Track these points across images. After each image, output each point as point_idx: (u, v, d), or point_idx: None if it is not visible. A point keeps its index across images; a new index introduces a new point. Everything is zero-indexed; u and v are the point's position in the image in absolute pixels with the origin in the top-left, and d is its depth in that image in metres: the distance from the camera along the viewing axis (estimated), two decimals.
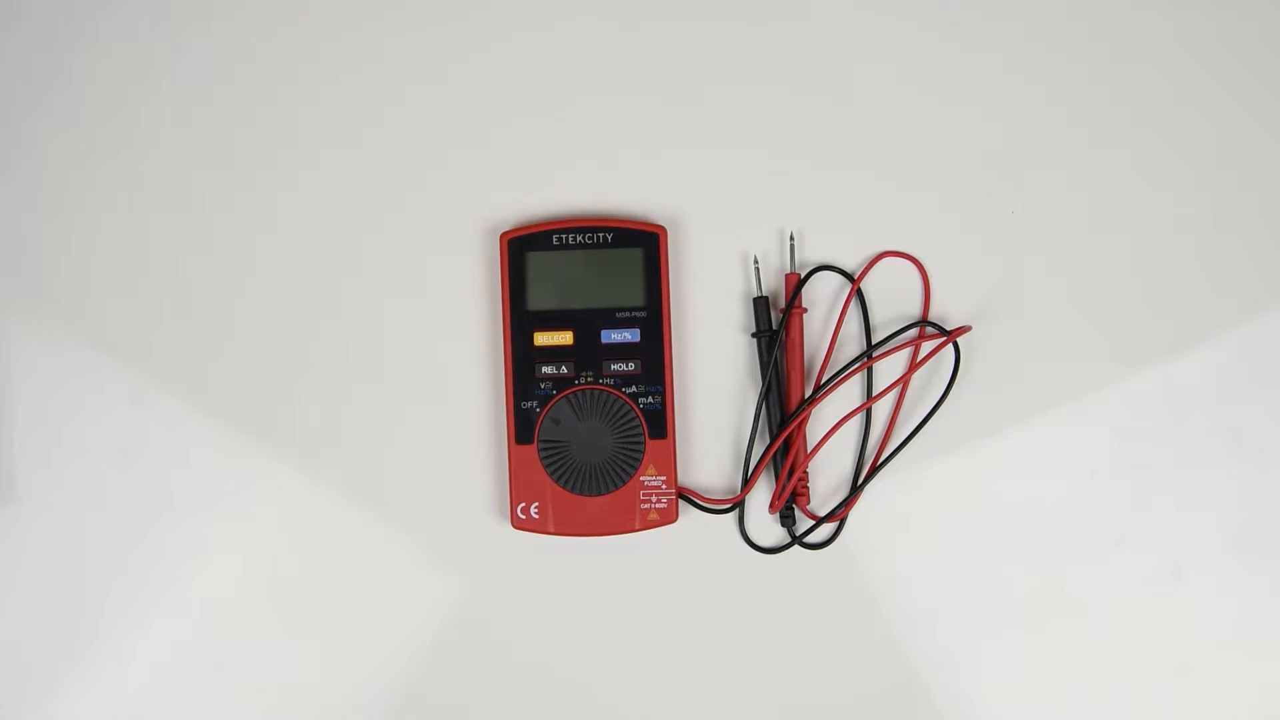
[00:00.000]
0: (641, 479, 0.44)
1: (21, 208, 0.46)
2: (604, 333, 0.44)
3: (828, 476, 0.46)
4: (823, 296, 0.46)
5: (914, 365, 0.46)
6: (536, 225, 0.45)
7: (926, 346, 0.46)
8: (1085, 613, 0.45)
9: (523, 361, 0.44)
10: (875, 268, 0.46)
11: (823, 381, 0.45)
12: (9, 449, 0.46)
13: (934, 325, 0.46)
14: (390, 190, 0.47)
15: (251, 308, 0.46)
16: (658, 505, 0.44)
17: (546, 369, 0.44)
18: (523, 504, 0.44)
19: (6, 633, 0.45)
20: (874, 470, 0.45)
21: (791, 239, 0.46)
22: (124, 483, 0.46)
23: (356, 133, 0.47)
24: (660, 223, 0.45)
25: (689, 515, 0.45)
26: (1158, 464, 0.46)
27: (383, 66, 0.47)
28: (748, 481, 0.45)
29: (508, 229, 0.45)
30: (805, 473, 0.45)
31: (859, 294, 0.46)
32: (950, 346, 0.45)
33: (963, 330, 0.45)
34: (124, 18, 0.47)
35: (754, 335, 0.46)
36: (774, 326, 0.45)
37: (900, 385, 0.46)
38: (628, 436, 0.44)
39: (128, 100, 0.47)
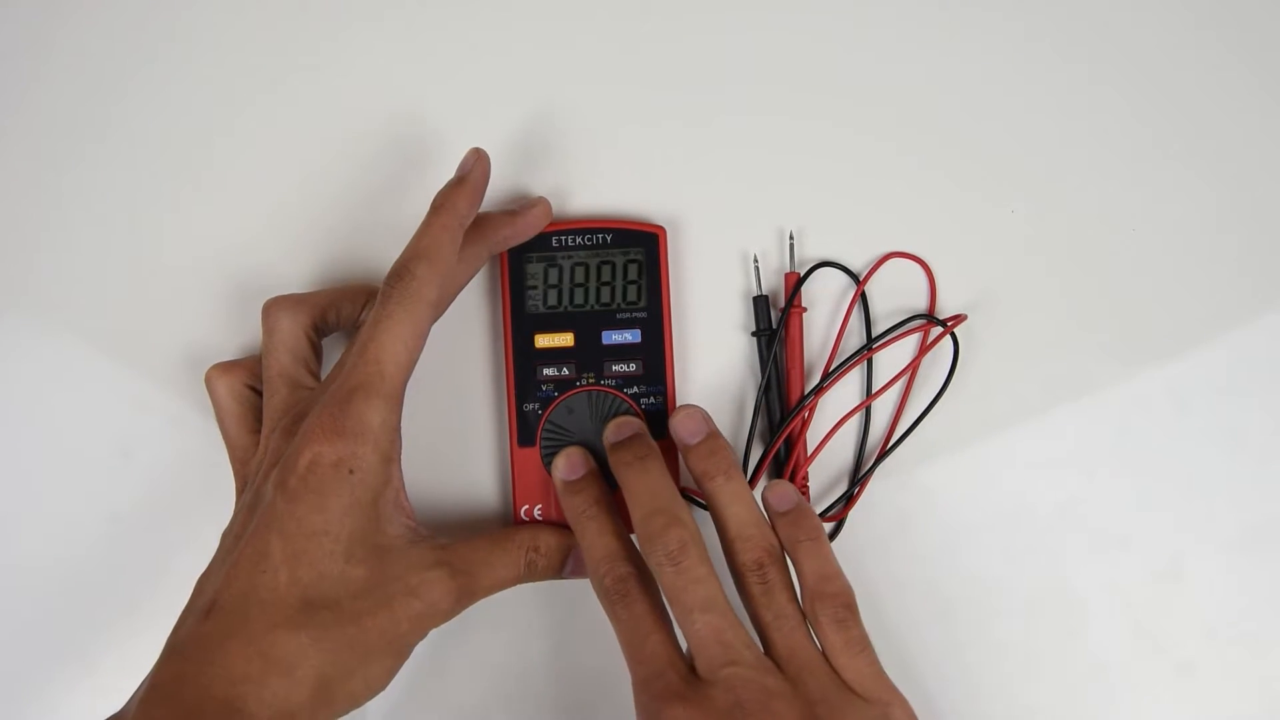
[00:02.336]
0: None
1: (18, 204, 0.46)
2: (605, 334, 0.44)
3: (828, 476, 0.46)
4: (825, 296, 0.46)
5: (915, 359, 0.45)
6: None
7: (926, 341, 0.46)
8: (1085, 613, 0.45)
9: (524, 364, 0.44)
10: (878, 268, 0.46)
11: (822, 379, 0.45)
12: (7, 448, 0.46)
13: (930, 318, 0.45)
14: (389, 194, 0.46)
15: (251, 310, 0.46)
16: None
17: (548, 371, 0.44)
18: (525, 506, 0.44)
19: (5, 634, 0.45)
20: (874, 466, 0.45)
21: (791, 238, 0.46)
22: (124, 483, 0.46)
23: (353, 130, 0.47)
24: (660, 222, 0.45)
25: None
26: (1158, 464, 0.46)
27: (379, 61, 0.47)
28: (750, 481, 0.45)
29: None
30: (806, 472, 0.45)
31: (862, 295, 0.46)
32: (950, 340, 0.45)
33: (959, 319, 0.45)
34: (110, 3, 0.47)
35: (754, 334, 0.46)
36: (774, 325, 0.45)
37: (899, 379, 0.45)
38: None
39: (123, 96, 0.47)
